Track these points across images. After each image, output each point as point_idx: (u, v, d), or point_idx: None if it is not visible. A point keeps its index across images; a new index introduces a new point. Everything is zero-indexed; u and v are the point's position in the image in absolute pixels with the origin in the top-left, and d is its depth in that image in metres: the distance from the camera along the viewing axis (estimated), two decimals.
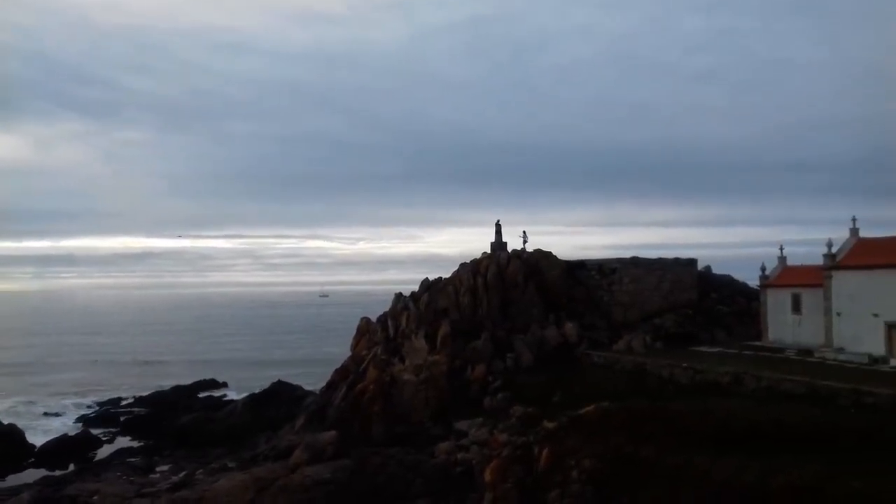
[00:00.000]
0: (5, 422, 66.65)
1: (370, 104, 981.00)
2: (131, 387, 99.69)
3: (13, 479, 53.24)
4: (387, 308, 66.78)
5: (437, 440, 45.27)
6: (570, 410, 39.24)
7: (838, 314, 48.21)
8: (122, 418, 77.34)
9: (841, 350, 47.08)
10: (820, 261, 50.30)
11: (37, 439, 65.57)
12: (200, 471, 49.06)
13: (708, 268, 73.71)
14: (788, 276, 55.99)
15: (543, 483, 33.68)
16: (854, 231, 50.35)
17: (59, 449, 62.46)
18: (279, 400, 72.16)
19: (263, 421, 64.35)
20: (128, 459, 57.19)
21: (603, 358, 53.00)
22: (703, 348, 54.21)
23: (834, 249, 49.64)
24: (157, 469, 52.50)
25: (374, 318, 66.62)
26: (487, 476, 35.36)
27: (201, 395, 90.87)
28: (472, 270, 61.73)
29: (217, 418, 68.37)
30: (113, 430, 72.57)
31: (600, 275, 63.98)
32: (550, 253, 66.21)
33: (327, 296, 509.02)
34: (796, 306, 53.86)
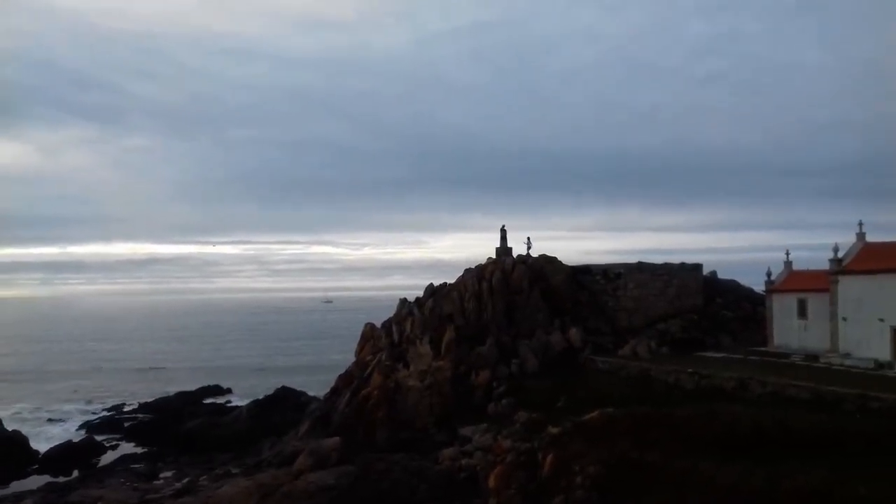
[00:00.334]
0: (10, 428, 66.78)
1: (375, 109, 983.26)
2: (136, 393, 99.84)
3: (17, 486, 53.30)
4: (391, 314, 66.73)
5: (441, 446, 45.18)
6: (575, 416, 39.04)
7: (844, 319, 47.97)
8: (126, 424, 77.37)
9: (847, 355, 46.82)
10: (826, 266, 50.04)
11: (41, 445, 65.71)
12: (204, 477, 49.01)
13: (713, 273, 73.49)
14: (794, 281, 55.75)
15: (547, 489, 33.51)
16: (860, 236, 50.12)
17: (63, 455, 62.53)
18: (283, 406, 72.13)
19: (267, 427, 64.24)
20: (131, 466, 57.21)
21: (608, 363, 52.81)
22: (709, 354, 53.99)
23: (840, 254, 49.39)
24: (161, 475, 52.52)
25: (378, 324, 66.55)
26: (491, 482, 35.21)
27: (206, 401, 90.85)
28: (476, 276, 61.64)
29: (221, 424, 68.38)
30: (117, 436, 72.63)
31: (605, 280, 63.82)
32: (555, 258, 66.12)
33: (331, 301, 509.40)
34: (802, 311, 53.60)
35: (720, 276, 74.09)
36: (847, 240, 50.57)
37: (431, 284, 66.35)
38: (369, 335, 64.79)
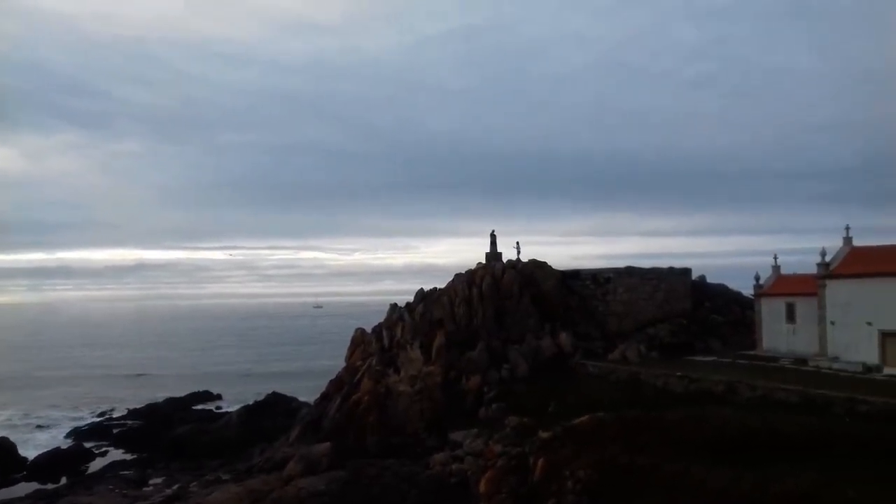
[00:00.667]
0: None
1: (365, 114, 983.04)
2: (125, 399, 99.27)
3: (5, 493, 52.88)
4: (382, 319, 66.70)
5: (431, 451, 45.13)
6: (565, 420, 39.12)
7: (832, 323, 48.29)
8: (115, 431, 76.95)
9: (835, 359, 47.12)
10: (814, 270, 50.38)
11: (29, 452, 65.26)
12: (194, 483, 48.84)
13: (702, 277, 73.86)
14: (782, 286, 56.08)
15: (538, 493, 33.57)
16: (848, 240, 50.50)
17: (52, 462, 62.08)
18: (274, 411, 72.00)
19: (258, 432, 64.11)
20: (121, 472, 56.86)
21: (598, 368, 52.94)
22: (698, 358, 54.20)
23: (828, 258, 49.75)
24: (151, 482, 52.22)
25: (369, 329, 66.51)
26: (482, 487, 35.25)
27: (195, 407, 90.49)
28: (467, 281, 61.68)
29: (211, 430, 68.08)
30: (106, 442, 72.19)
31: (595, 284, 63.98)
32: (545, 263, 66.18)
33: (321, 307, 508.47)
34: (790, 315, 53.92)
35: (709, 280, 74.45)
36: (835, 244, 51.03)
37: (422, 289, 66.35)
38: (360, 340, 64.75)
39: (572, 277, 65.72)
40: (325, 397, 60.41)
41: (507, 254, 68.49)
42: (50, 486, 54.12)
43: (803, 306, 52.37)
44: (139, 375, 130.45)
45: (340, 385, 59.18)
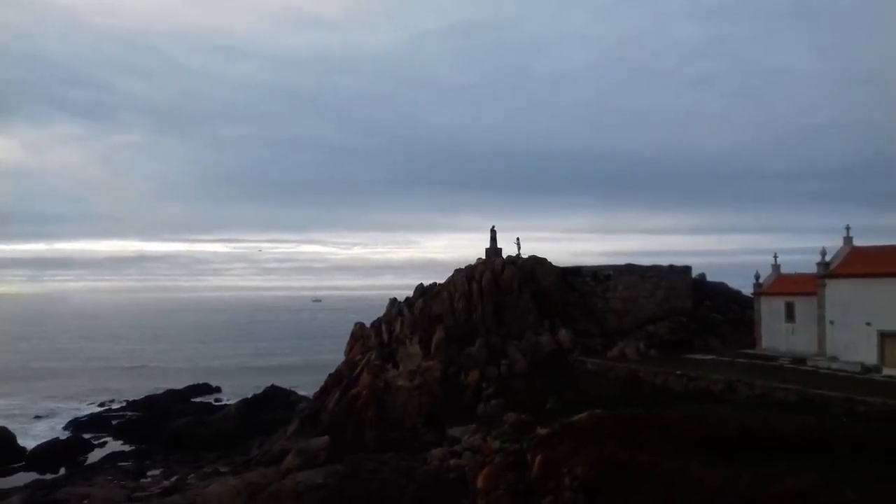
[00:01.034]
0: None
1: (365, 109, 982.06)
2: (123, 391, 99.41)
3: (3, 483, 52.95)
4: (381, 313, 66.72)
5: (430, 446, 45.19)
6: (564, 417, 39.13)
7: (831, 323, 48.27)
8: (113, 422, 77.05)
9: (834, 359, 47.11)
10: (814, 269, 50.35)
11: (28, 442, 65.38)
12: (192, 475, 48.94)
13: (702, 275, 73.84)
14: (782, 285, 56.04)
15: (536, 490, 33.59)
16: (848, 239, 50.44)
17: (51, 452, 62.24)
18: (272, 405, 72.06)
19: (256, 425, 64.17)
20: (119, 463, 56.99)
21: (597, 365, 52.94)
22: (697, 356, 54.17)
23: (828, 258, 49.72)
24: (149, 473, 52.36)
25: (368, 324, 66.54)
26: (480, 483, 35.25)
27: (194, 399, 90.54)
28: (466, 276, 61.66)
29: (210, 423, 68.16)
30: (104, 434, 72.25)
31: (595, 281, 63.98)
32: (545, 259, 66.22)
33: (320, 301, 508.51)
34: (790, 314, 53.90)
35: (709, 278, 74.44)
36: (835, 244, 50.97)
37: (421, 284, 66.38)
38: (359, 335, 64.77)
39: (572, 274, 65.71)
40: (324, 391, 60.47)
41: (508, 249, 68.62)
42: (49, 477, 54.21)
43: (803, 306, 52.34)
44: (138, 367, 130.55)
45: (339, 379, 59.23)
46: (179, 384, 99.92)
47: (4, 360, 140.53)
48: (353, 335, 65.83)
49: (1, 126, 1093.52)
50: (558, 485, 32.64)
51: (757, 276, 58.01)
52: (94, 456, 62.92)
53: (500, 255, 67.08)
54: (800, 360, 49.42)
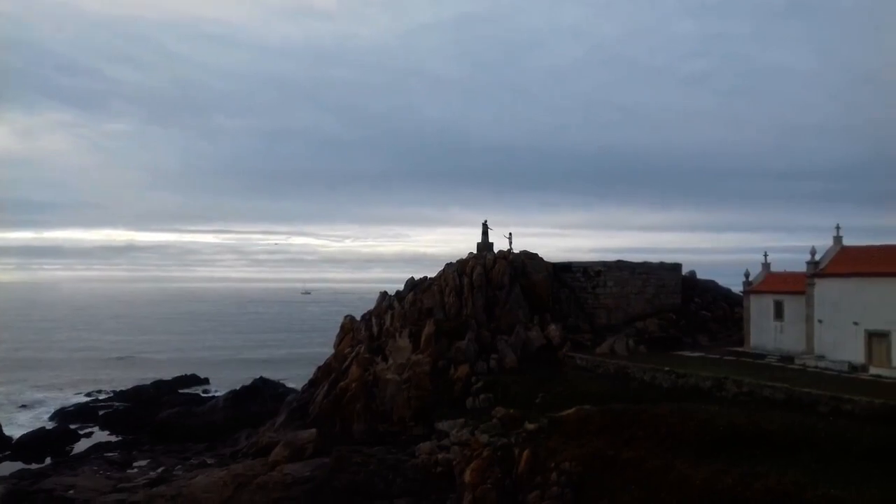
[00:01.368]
0: None
1: (358, 100, 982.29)
2: (111, 381, 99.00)
3: None
4: (370, 307, 66.62)
5: (418, 440, 45.22)
6: (552, 412, 39.28)
7: (820, 321, 48.48)
8: (100, 412, 76.61)
9: (821, 357, 47.33)
10: (804, 268, 50.53)
11: (13, 432, 64.99)
12: (179, 466, 48.83)
13: (692, 273, 74.05)
14: (771, 283, 56.24)
15: (523, 485, 33.68)
16: (838, 239, 50.64)
17: (36, 442, 61.90)
18: (261, 396, 71.81)
19: (244, 417, 63.97)
20: (105, 454, 56.68)
21: (586, 361, 53.04)
22: (686, 353, 54.41)
23: (817, 257, 49.91)
24: (135, 464, 52.12)
25: (358, 317, 66.45)
26: (468, 477, 35.30)
27: (182, 390, 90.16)
28: (457, 270, 61.63)
29: (197, 414, 67.91)
30: (91, 424, 71.91)
31: (585, 277, 64.10)
32: (536, 255, 66.29)
33: (309, 293, 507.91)
34: (779, 313, 54.08)
35: (699, 276, 74.69)
36: (826, 243, 51.17)
37: (412, 278, 66.33)
38: (349, 328, 64.69)
39: (563, 270, 65.79)
40: (313, 383, 60.36)
41: (500, 244, 68.64)
42: (34, 466, 53.83)
43: (791, 304, 52.54)
44: (126, 358, 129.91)
45: (328, 372, 59.12)
46: (167, 375, 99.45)
47: None
48: (342, 328, 65.74)
49: None
50: (545, 480, 32.73)
51: (747, 274, 58.17)
52: (81, 446, 62.58)
53: (492, 250, 67.08)
54: (788, 358, 49.65)
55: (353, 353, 57.61)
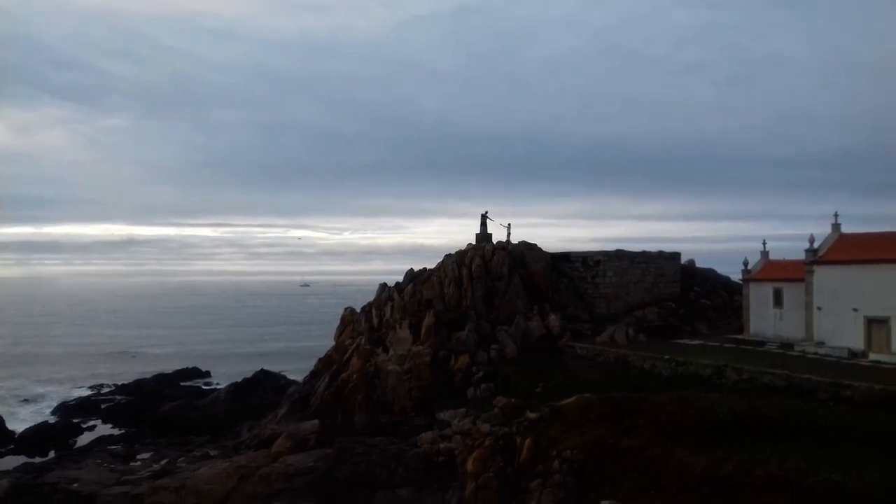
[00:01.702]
0: None
1: (354, 92, 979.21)
2: (112, 375, 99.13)
3: None
4: (370, 298, 66.72)
5: (419, 430, 45.33)
6: (553, 401, 39.44)
7: (819, 308, 48.62)
8: (103, 406, 76.91)
9: (821, 344, 47.49)
10: (803, 256, 50.64)
11: (16, 426, 65.23)
12: (182, 459, 48.92)
13: (691, 261, 74.15)
14: (770, 271, 56.37)
15: (525, 473, 33.87)
16: (836, 226, 50.75)
17: (40, 436, 62.12)
18: (262, 389, 71.98)
19: (246, 410, 64.18)
20: (108, 447, 56.78)
21: (586, 350, 53.20)
22: (686, 341, 54.58)
23: (816, 244, 50.01)
24: (138, 457, 52.19)
25: (358, 309, 66.55)
26: (469, 466, 35.49)
27: (184, 383, 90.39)
28: (456, 262, 61.71)
29: (199, 406, 68.13)
30: (93, 417, 72.16)
31: (584, 267, 64.21)
32: (535, 245, 66.35)
33: (308, 286, 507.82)
34: (778, 300, 54.24)
35: (699, 264, 74.77)
36: (825, 231, 51.28)
37: (411, 269, 66.43)
38: (349, 319, 64.78)
39: (562, 260, 65.89)
40: (314, 375, 60.50)
41: (498, 235, 68.67)
42: (38, 460, 54.03)
43: (791, 292, 52.68)
44: (127, 352, 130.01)
45: (329, 363, 59.26)
46: (168, 368, 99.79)
47: None
48: (343, 320, 65.83)
49: None
50: (547, 468, 32.91)
51: (745, 263, 58.30)
52: (84, 439, 62.80)
53: (491, 241, 67.13)
54: (787, 345, 49.83)
55: (354, 345, 57.75)
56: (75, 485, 41.30)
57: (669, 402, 34.46)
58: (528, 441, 35.02)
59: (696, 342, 53.67)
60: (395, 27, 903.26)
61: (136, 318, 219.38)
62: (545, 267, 63.57)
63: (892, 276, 44.15)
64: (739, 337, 55.58)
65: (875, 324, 44.87)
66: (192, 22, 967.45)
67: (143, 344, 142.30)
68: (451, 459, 39.12)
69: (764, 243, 58.70)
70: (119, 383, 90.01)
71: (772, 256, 58.11)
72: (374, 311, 62.67)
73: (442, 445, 40.90)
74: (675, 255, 68.93)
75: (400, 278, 66.04)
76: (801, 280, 50.33)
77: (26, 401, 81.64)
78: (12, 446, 60.20)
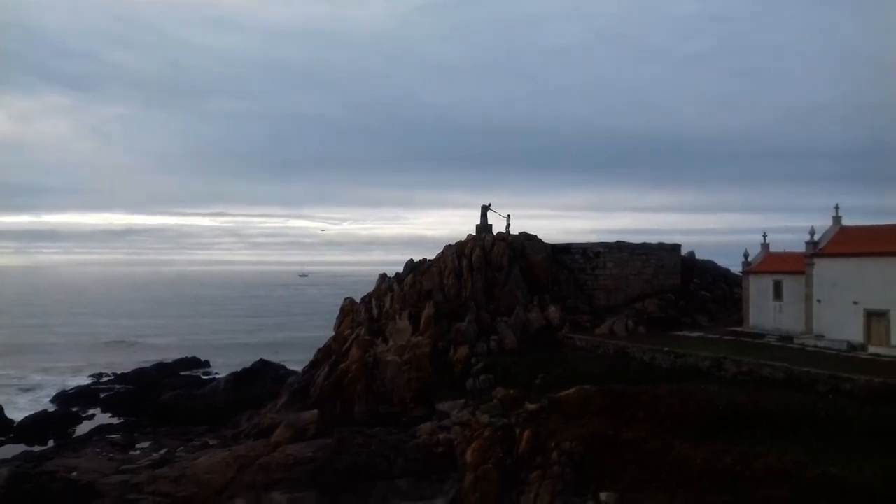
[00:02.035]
0: None
1: (357, 84, 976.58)
2: (112, 364, 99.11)
3: None
4: (368, 289, 66.66)
5: (418, 421, 45.38)
6: (552, 393, 39.44)
7: (819, 301, 48.59)
8: (102, 395, 76.95)
9: (821, 337, 47.50)
10: (803, 248, 50.57)
11: (16, 415, 65.25)
12: (181, 448, 49.00)
13: (692, 253, 74.09)
14: (770, 263, 56.32)
15: (524, 464, 33.91)
16: (837, 219, 50.66)
17: (39, 425, 62.20)
18: (261, 379, 72.06)
19: (245, 399, 64.23)
20: (108, 436, 56.86)
21: (585, 341, 53.17)
22: (685, 333, 54.52)
23: (816, 237, 49.94)
24: (138, 446, 52.29)
25: (358, 299, 66.50)
26: (469, 457, 35.54)
27: (183, 373, 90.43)
28: (456, 252, 61.60)
29: (199, 396, 68.18)
30: (93, 406, 72.19)
31: (584, 259, 64.13)
32: (535, 236, 66.21)
33: (307, 276, 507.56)
34: (778, 293, 54.20)
35: (699, 256, 74.71)
36: (825, 223, 51.19)
37: (411, 260, 66.32)
38: (349, 310, 64.71)
39: (563, 251, 65.79)
40: (314, 365, 60.51)
41: (499, 226, 68.53)
42: (37, 449, 54.07)
43: (790, 284, 52.65)
44: (126, 341, 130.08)
45: (329, 354, 59.25)
46: (168, 358, 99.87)
47: None
48: (342, 310, 65.76)
49: None
50: (546, 459, 32.94)
51: (746, 255, 58.25)
52: (83, 428, 62.85)
53: (491, 232, 67.00)
54: (787, 338, 49.82)
55: (354, 335, 57.71)
56: (74, 473, 41.38)
57: (669, 394, 34.47)
58: (527, 432, 35.05)
59: (696, 334, 53.63)
60: (397, 18, 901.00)
61: (136, 307, 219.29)
62: (545, 258, 63.47)
63: (892, 269, 44.10)
64: (739, 329, 55.56)
65: (875, 317, 44.87)
66: (193, 11, 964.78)
67: (142, 333, 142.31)
68: (450, 450, 39.19)
69: (764, 235, 58.72)
70: (118, 372, 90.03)
71: (772, 249, 58.05)
72: (373, 302, 62.61)
73: (441, 436, 40.95)
74: (676, 247, 68.87)
75: (400, 269, 65.95)
76: (801, 272, 50.27)
77: (25, 390, 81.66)
78: (11, 435, 60.26)
